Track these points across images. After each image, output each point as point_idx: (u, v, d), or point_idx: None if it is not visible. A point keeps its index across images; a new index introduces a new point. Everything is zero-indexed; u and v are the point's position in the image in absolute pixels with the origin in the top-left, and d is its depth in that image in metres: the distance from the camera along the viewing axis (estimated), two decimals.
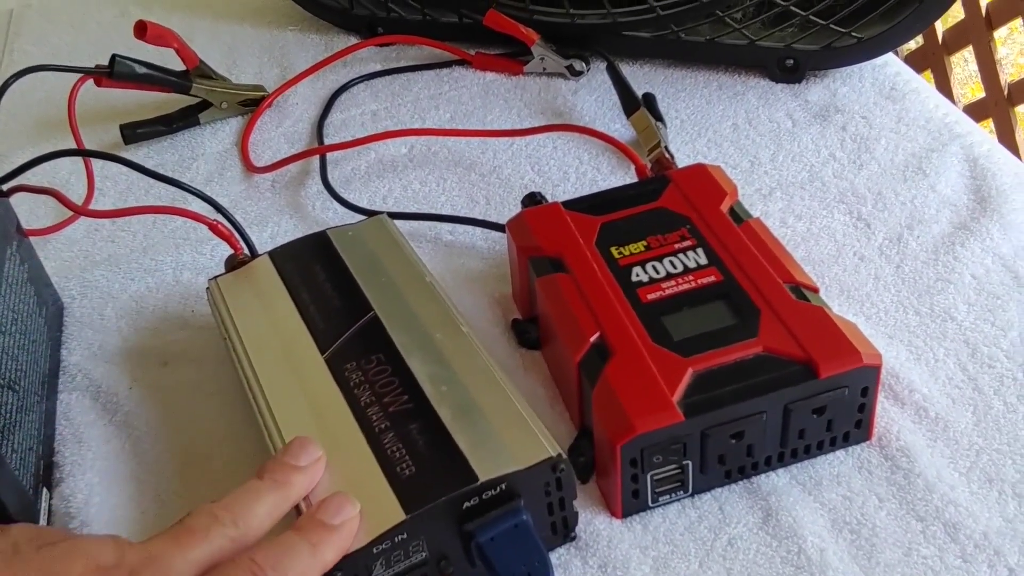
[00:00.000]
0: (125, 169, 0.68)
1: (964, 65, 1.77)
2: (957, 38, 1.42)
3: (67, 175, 0.68)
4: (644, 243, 0.49)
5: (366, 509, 0.38)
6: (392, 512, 0.38)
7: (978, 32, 1.36)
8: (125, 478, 0.49)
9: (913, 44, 1.54)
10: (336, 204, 0.63)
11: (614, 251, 0.49)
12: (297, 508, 0.40)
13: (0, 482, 0.43)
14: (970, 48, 1.39)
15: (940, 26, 1.43)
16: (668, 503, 0.44)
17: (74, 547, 0.35)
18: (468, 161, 0.66)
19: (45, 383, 0.52)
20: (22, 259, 0.54)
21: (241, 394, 0.50)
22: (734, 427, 0.42)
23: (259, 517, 0.37)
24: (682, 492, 0.44)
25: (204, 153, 0.70)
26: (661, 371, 0.42)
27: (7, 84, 0.65)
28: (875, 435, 0.46)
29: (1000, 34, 1.37)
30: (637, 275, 0.47)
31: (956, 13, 1.43)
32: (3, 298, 0.49)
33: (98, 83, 0.67)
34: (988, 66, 1.36)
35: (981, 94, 1.40)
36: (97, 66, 0.67)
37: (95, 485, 0.48)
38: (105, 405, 0.52)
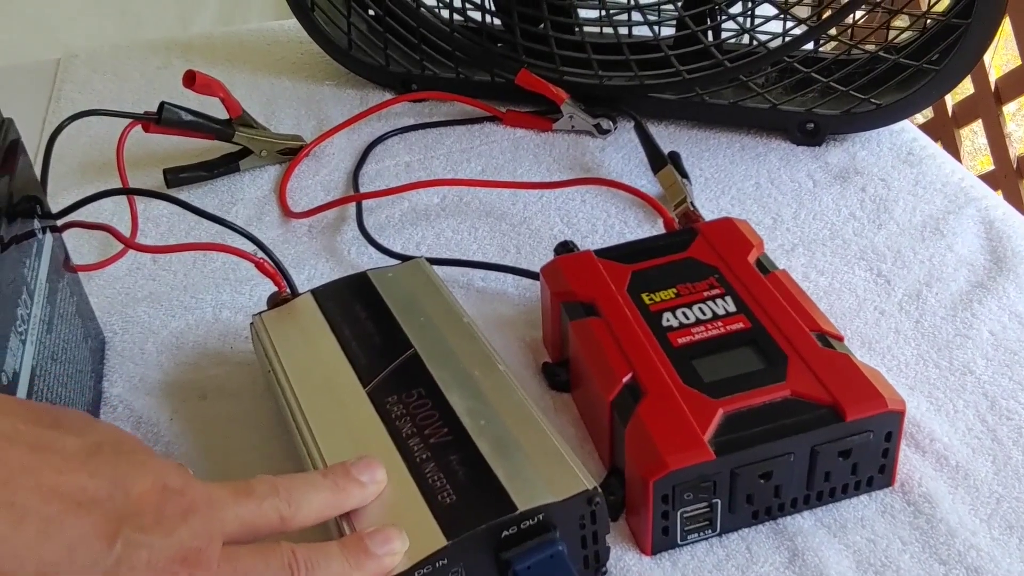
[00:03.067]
0: (167, 211, 0.71)
1: (974, 138, 1.80)
2: (966, 112, 1.45)
3: (110, 215, 0.70)
4: (674, 290, 0.51)
5: (409, 535, 0.40)
6: (434, 538, 0.39)
7: (987, 106, 1.40)
8: None
9: (922, 117, 1.57)
10: (371, 249, 0.65)
11: (645, 297, 0.51)
12: (340, 532, 0.41)
13: None
14: (979, 121, 1.43)
15: (950, 100, 1.47)
16: (696, 541, 0.45)
17: (147, 463, 0.36)
18: (499, 211, 0.68)
19: (88, 412, 0.54)
20: (71, 292, 0.56)
21: (278, 426, 0.52)
22: (763, 467, 0.43)
23: (310, 506, 0.39)
24: (710, 531, 0.45)
25: (243, 198, 0.72)
26: (692, 411, 0.44)
27: (62, 126, 0.68)
28: (898, 481, 0.47)
29: (1009, 109, 1.40)
30: (668, 320, 0.49)
31: (966, 88, 1.46)
32: (56, 328, 0.51)
33: (146, 128, 0.69)
34: (997, 139, 1.40)
35: (991, 166, 1.43)
36: (146, 112, 0.69)
37: None
38: (146, 435, 0.54)
